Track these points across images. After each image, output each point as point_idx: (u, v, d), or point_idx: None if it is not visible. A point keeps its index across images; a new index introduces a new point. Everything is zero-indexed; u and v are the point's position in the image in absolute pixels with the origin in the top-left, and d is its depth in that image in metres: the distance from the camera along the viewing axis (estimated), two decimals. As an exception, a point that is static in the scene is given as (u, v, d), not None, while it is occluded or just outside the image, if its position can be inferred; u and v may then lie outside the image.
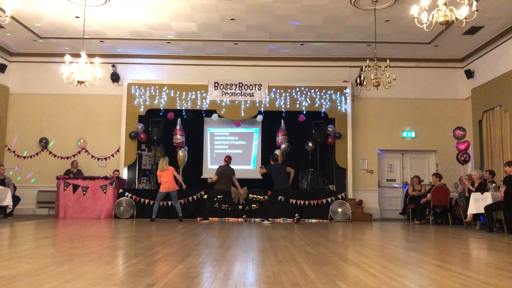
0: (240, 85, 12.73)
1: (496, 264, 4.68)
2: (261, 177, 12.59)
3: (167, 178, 10.80)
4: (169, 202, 11.30)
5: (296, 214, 10.78)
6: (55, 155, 12.86)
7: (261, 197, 11.53)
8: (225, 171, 10.99)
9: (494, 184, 9.40)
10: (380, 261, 4.73)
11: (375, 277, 3.73)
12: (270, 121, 13.07)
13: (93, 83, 9.66)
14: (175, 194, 10.92)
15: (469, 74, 12.55)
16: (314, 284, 3.41)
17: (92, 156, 12.90)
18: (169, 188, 10.81)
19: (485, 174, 9.97)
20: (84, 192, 11.44)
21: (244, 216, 11.13)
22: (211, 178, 11.07)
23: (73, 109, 13.03)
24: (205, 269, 4.13)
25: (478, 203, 9.07)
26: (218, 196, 11.16)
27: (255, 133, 13.63)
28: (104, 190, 11.46)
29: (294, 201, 11.42)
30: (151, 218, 10.62)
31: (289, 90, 12.73)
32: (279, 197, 11.03)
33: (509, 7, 9.60)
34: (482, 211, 8.88)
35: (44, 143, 12.81)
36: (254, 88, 12.73)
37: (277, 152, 12.03)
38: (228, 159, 11.23)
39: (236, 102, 12.70)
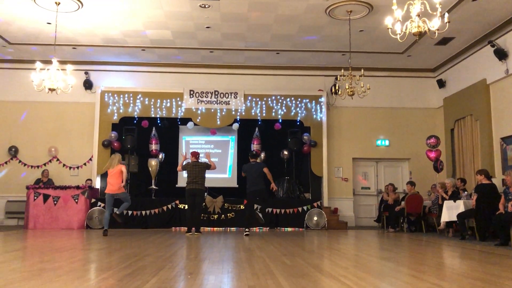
0: (216, 93, 12.65)
1: (468, 273, 4.73)
2: (237, 186, 12.46)
3: (115, 177, 9.25)
4: (143, 212, 11.09)
5: (246, 229, 9.35)
6: (25, 164, 12.50)
7: (237, 206, 11.45)
8: (192, 167, 9.76)
9: (466, 192, 9.58)
10: (356, 272, 4.72)
11: (351, 289, 3.71)
12: (246, 129, 13.04)
13: (65, 91, 9.45)
14: (125, 196, 9.35)
15: (441, 83, 12.80)
16: (290, 298, 3.36)
17: (64, 165, 12.59)
18: (119, 189, 9.24)
19: (457, 182, 10.15)
20: (55, 202, 11.12)
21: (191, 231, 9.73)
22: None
23: (44, 117, 12.70)
24: (179, 283, 4.04)
25: (451, 211, 9.22)
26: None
27: (231, 141, 13.57)
28: (76, 200, 11.18)
29: (270, 209, 11.28)
30: (104, 231, 9.12)
31: (265, 99, 12.73)
32: (254, 204, 9.80)
33: (478, 20, 9.85)
34: (455, 218, 9.02)
35: (13, 151, 12.44)
36: (230, 96, 12.67)
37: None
38: (196, 154, 9.98)
39: (212, 110, 12.61)
